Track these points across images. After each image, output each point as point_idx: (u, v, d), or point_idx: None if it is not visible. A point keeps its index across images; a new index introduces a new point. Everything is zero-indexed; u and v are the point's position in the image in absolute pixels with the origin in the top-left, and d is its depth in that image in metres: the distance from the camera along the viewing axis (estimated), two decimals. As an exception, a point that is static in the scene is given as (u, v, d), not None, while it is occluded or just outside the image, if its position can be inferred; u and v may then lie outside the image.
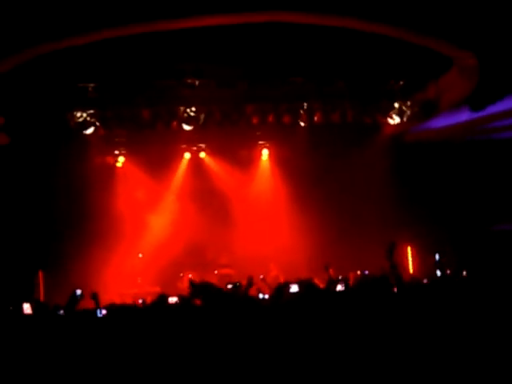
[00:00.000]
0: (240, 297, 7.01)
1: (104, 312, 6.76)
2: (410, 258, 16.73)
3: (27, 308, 7.35)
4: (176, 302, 7.53)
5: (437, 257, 11.58)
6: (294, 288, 7.63)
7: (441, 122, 16.19)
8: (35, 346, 4.92)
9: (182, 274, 16.50)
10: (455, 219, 16.40)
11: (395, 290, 6.18)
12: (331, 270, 15.86)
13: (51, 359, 4.81)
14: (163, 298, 7.10)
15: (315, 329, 5.01)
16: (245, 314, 5.59)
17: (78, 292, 9.43)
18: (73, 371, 4.73)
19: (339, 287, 7.14)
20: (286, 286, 7.43)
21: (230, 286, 9.22)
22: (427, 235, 15.84)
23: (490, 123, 15.96)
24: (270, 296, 8.26)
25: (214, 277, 16.36)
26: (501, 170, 16.41)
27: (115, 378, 4.77)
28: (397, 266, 6.78)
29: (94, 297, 7.98)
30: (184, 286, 15.00)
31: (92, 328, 5.63)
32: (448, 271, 11.48)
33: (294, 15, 11.28)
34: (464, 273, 10.15)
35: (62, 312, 7.08)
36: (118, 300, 11.76)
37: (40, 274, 15.71)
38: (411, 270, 16.54)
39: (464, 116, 15.34)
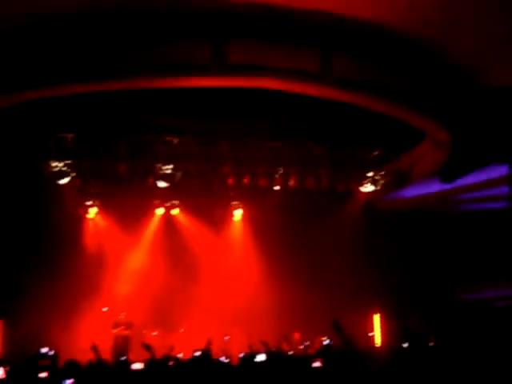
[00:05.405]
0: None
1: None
2: (377, 328, 16.75)
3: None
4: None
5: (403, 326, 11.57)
6: (261, 357, 7.45)
7: (412, 191, 16.46)
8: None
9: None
10: (423, 287, 16.58)
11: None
12: (296, 335, 15.87)
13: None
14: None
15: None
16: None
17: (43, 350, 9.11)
18: None
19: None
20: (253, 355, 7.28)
21: (197, 354, 9.04)
22: (395, 303, 15.93)
23: (459, 195, 16.28)
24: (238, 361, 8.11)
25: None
26: (469, 241, 16.72)
27: None
28: (350, 341, 6.71)
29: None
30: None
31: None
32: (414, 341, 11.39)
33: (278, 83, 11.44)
34: (431, 343, 10.10)
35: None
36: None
37: (0, 323, 15.33)
38: (378, 341, 16.54)
39: (434, 187, 15.61)
